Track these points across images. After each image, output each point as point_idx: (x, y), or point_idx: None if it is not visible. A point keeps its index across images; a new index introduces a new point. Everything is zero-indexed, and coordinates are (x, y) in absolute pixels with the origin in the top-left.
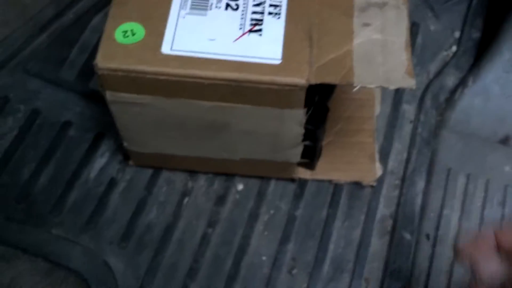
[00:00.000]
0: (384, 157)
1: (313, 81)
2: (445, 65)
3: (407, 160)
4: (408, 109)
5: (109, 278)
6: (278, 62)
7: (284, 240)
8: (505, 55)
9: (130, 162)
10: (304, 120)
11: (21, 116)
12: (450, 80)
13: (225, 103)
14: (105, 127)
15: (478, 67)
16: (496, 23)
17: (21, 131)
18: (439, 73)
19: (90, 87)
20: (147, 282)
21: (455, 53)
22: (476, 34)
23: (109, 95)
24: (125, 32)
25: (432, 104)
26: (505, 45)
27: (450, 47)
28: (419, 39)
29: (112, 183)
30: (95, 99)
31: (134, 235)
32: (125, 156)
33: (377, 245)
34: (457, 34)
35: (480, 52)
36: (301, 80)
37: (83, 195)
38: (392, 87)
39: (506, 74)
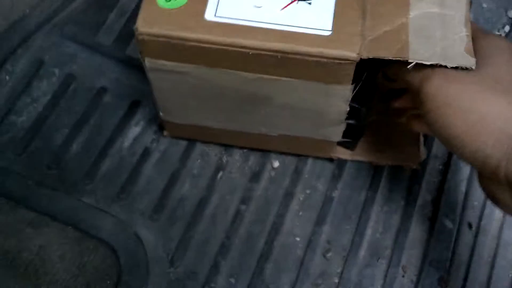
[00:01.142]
0: (429, 139)
1: (365, 55)
2: None
3: None
4: None
5: (139, 250)
6: (328, 33)
7: (320, 221)
8: None
9: (165, 133)
10: (350, 97)
11: (56, 80)
12: None
13: (269, 75)
14: (140, 95)
15: None
16: None
17: (55, 95)
18: None
19: (127, 53)
20: (178, 257)
21: (508, 33)
22: None
23: (148, 61)
24: None
25: None
26: None
27: (503, 26)
28: (471, 17)
29: (145, 153)
30: (132, 65)
31: (166, 208)
32: (160, 126)
33: (417, 232)
34: (511, 13)
35: None
36: (352, 53)
37: (115, 164)
38: (451, 65)
39: None
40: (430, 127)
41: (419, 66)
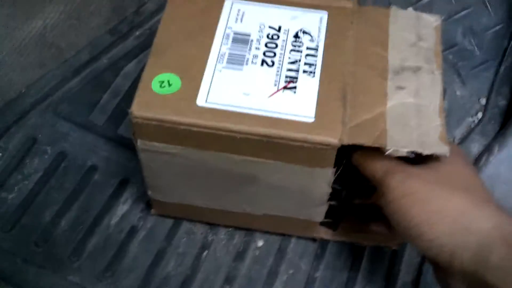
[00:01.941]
0: None
1: (346, 141)
2: (470, 131)
3: None
4: None
5: None
6: (311, 120)
7: None
8: None
9: (152, 211)
10: (332, 180)
11: (48, 158)
12: (475, 147)
13: (256, 157)
14: (129, 173)
15: (504, 135)
16: None
17: (46, 172)
18: (464, 139)
19: (118, 133)
20: None
21: (480, 120)
22: (502, 102)
23: (140, 143)
24: (162, 82)
25: None
26: None
27: (476, 113)
28: (445, 104)
29: (132, 231)
30: (122, 144)
31: (151, 286)
32: (147, 205)
33: None
34: (483, 100)
35: (506, 120)
36: (333, 139)
37: (103, 241)
38: (426, 152)
39: None
40: (390, 217)
41: (382, 160)
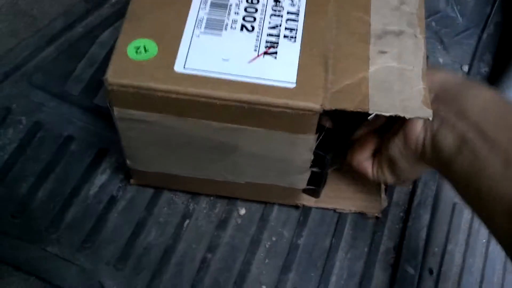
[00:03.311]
0: (389, 188)
1: (328, 106)
2: None
3: (413, 193)
4: None
5: None
6: (292, 86)
7: (286, 269)
8: None
9: (132, 181)
10: (314, 146)
11: (23, 128)
12: None
13: (236, 125)
14: (107, 143)
15: None
16: (505, 59)
17: (21, 143)
18: None
19: (95, 102)
20: None
21: None
22: (484, 69)
23: (117, 111)
24: (138, 48)
25: None
26: None
27: None
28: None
29: (111, 202)
30: (99, 114)
31: (132, 256)
32: (127, 175)
33: (380, 278)
34: (465, 68)
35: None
36: (315, 105)
37: (81, 212)
38: (408, 116)
39: None
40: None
41: None
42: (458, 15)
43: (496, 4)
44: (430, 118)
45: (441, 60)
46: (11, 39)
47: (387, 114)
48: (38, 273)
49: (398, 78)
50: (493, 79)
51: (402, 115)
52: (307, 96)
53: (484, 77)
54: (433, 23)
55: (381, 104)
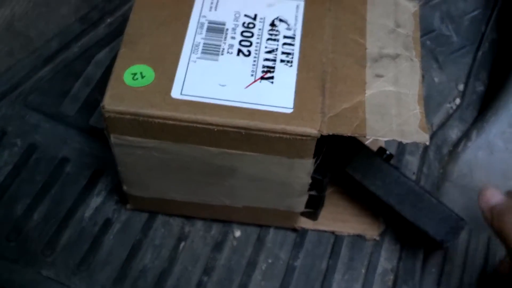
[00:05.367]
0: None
1: (326, 131)
2: (448, 117)
3: None
4: (411, 161)
5: None
6: (290, 110)
7: None
8: (510, 109)
9: (128, 206)
10: (312, 170)
11: (17, 150)
12: (454, 132)
13: (234, 150)
14: (102, 165)
15: (482, 121)
16: (501, 77)
17: (16, 165)
18: (442, 125)
19: (90, 123)
20: None
21: (459, 106)
22: (480, 87)
23: (114, 137)
24: (135, 74)
25: (435, 156)
26: (510, 98)
27: (454, 99)
28: (423, 90)
29: (107, 224)
30: (94, 135)
31: (128, 279)
32: (122, 198)
33: None
34: (461, 86)
35: (484, 106)
36: (313, 130)
37: (76, 234)
38: (406, 141)
39: (510, 128)
40: None
41: None
42: (453, 34)
43: (490, 22)
44: (427, 143)
45: (436, 79)
46: (7, 59)
47: (384, 139)
48: None
49: (395, 102)
50: (489, 97)
51: (399, 139)
52: (304, 121)
53: (479, 95)
54: (428, 42)
55: (378, 129)
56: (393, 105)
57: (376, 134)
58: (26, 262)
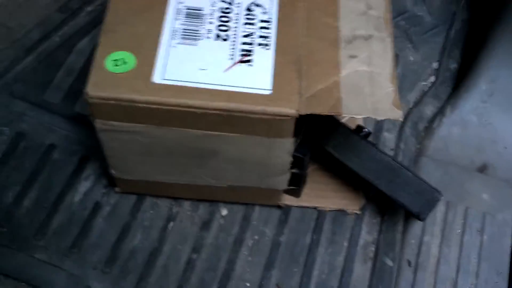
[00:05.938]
0: (366, 184)
1: (303, 111)
2: (423, 95)
3: None
4: (389, 137)
5: None
6: (268, 92)
7: (269, 265)
8: (482, 86)
9: (116, 189)
10: (292, 149)
11: (6, 138)
12: (429, 109)
13: (215, 131)
14: (90, 150)
15: (456, 97)
16: (473, 54)
17: (5, 154)
18: (418, 102)
19: (76, 110)
20: None
21: (433, 83)
22: (453, 65)
23: (98, 123)
24: (116, 60)
25: (412, 132)
26: (481, 75)
27: (429, 77)
28: (398, 70)
29: (96, 207)
30: (80, 122)
31: (119, 260)
32: (110, 181)
33: (360, 271)
34: (435, 64)
35: (457, 83)
36: (291, 110)
37: (67, 219)
38: (380, 118)
39: (483, 104)
40: None
41: None
42: (426, 14)
43: (462, 1)
44: (401, 119)
45: (411, 58)
46: None
47: (360, 117)
48: (28, 280)
49: (368, 81)
50: (462, 75)
51: (373, 117)
52: (283, 102)
53: (453, 73)
54: (402, 22)
55: (353, 107)
56: (367, 84)
57: (352, 112)
58: (19, 246)
